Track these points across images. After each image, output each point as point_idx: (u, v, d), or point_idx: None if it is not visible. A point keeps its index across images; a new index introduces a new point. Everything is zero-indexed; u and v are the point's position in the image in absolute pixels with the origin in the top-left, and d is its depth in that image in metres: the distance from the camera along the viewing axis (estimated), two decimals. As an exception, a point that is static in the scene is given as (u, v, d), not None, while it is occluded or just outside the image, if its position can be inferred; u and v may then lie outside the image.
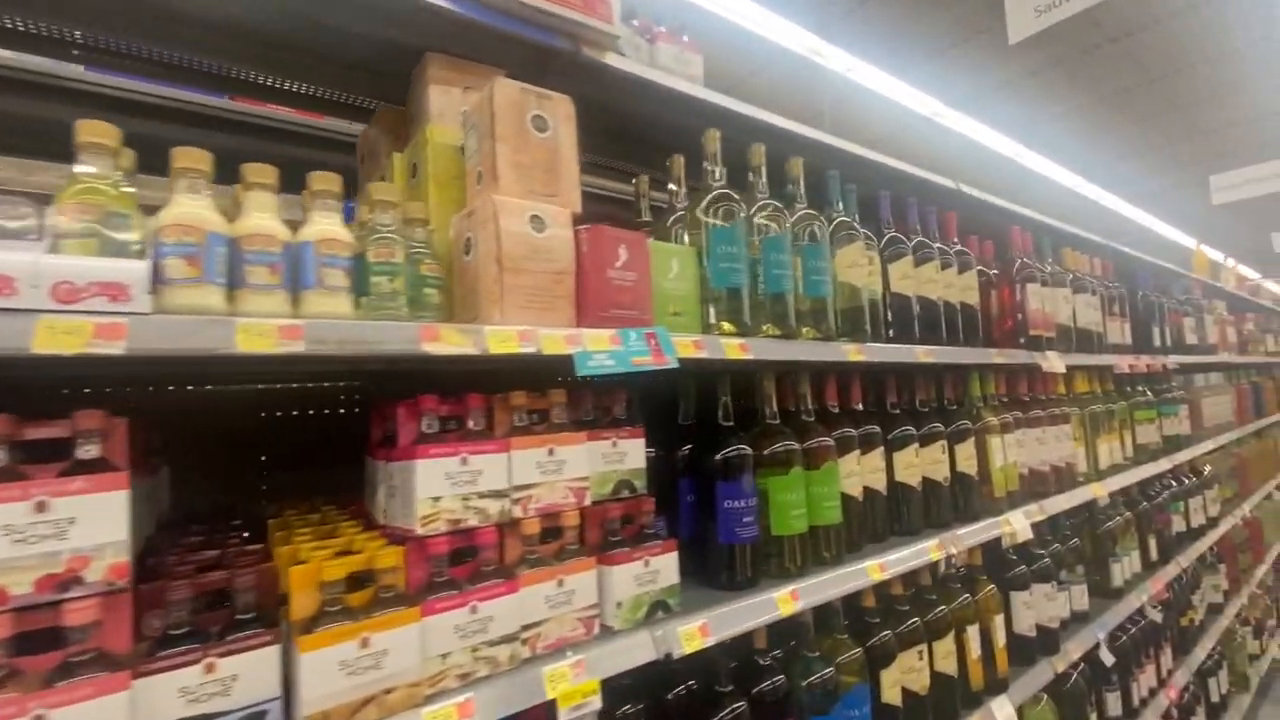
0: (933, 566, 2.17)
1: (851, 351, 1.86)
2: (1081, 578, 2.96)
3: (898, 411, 2.24)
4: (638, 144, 2.08)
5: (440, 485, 1.20)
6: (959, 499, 2.33)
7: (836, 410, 2.06)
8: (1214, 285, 5.52)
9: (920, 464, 2.22)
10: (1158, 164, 13.46)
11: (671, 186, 1.88)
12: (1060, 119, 11.10)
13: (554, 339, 1.24)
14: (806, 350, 1.76)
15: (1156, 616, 3.31)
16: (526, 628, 1.24)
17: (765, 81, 9.47)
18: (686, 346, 1.47)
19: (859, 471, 2.00)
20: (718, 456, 1.66)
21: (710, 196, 1.66)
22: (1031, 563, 2.66)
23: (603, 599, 1.38)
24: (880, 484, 2.09)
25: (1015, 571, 2.58)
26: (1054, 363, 2.72)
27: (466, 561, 1.23)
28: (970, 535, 2.23)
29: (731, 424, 1.74)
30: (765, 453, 1.75)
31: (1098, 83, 9.97)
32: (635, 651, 1.34)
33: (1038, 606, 2.62)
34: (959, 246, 2.52)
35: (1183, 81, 9.88)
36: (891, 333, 2.16)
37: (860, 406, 2.16)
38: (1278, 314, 7.31)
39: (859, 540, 2.00)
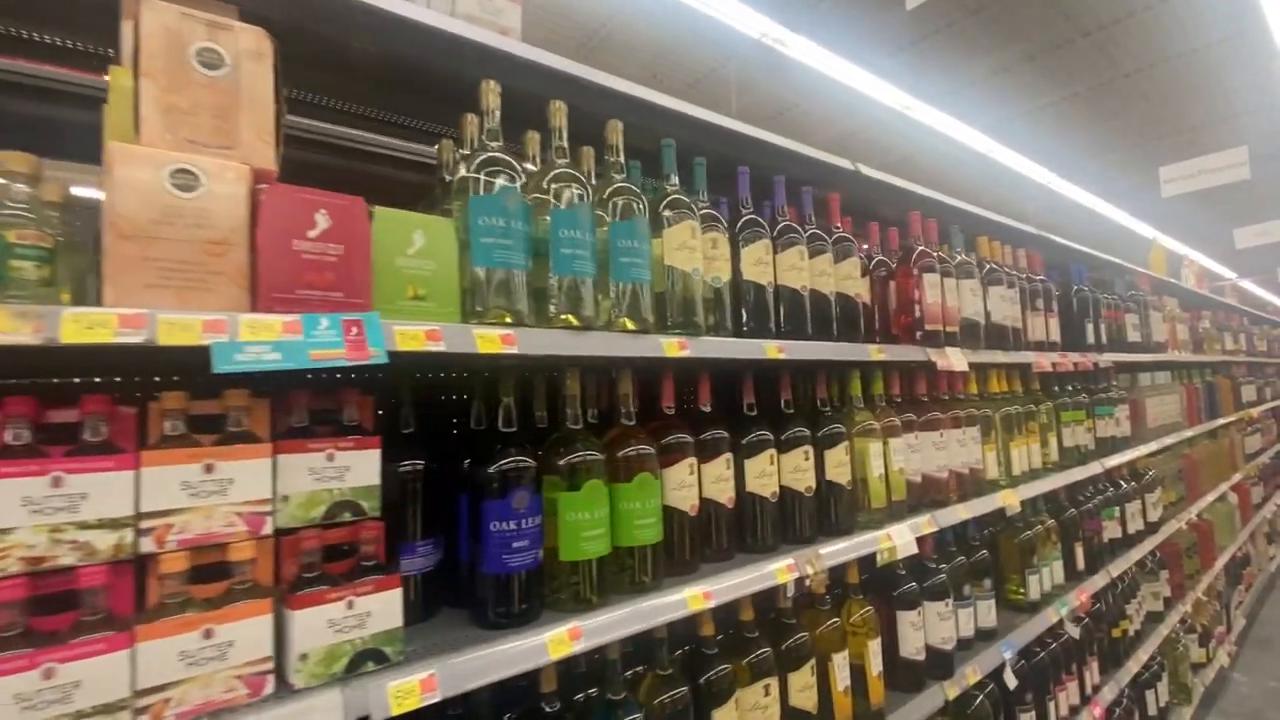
0: (798, 586, 1.90)
1: (671, 346, 1.58)
2: (989, 592, 2.70)
3: (753, 414, 1.96)
4: (439, 101, 1.79)
5: (12, 513, 0.92)
6: (827, 511, 2.06)
7: (672, 413, 1.78)
8: (1165, 281, 5.26)
9: (778, 473, 1.95)
10: (1131, 161, 13.24)
11: (464, 152, 1.60)
12: (1032, 115, 10.85)
13: (179, 325, 0.96)
14: (605, 344, 1.48)
15: (1074, 632, 3.06)
16: (146, 692, 0.96)
17: (732, 74, 9.19)
18: (414, 338, 1.19)
19: (693, 483, 1.73)
20: (485, 469, 1.38)
21: (479, 160, 1.38)
22: (925, 578, 2.40)
23: (282, 650, 1.10)
24: (725, 496, 1.82)
25: (904, 589, 2.32)
26: (952, 360, 2.45)
27: (58, 611, 0.95)
28: (837, 553, 1.96)
29: (513, 430, 1.46)
30: (557, 463, 1.47)
31: (1070, 78, 9.71)
32: (313, 716, 1.06)
33: (929, 626, 2.36)
34: (841, 232, 2.24)
35: (1156, 77, 9.63)
36: (748, 326, 1.89)
37: (708, 409, 1.89)
38: (1240, 312, 7.07)
39: (693, 561, 1.73)
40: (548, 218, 1.45)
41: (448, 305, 1.32)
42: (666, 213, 1.68)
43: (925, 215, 2.66)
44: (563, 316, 1.44)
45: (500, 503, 1.36)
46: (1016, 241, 3.33)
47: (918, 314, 2.44)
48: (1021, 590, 2.97)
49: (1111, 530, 3.75)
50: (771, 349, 1.82)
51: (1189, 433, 4.90)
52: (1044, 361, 3.06)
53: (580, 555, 1.45)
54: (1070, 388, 3.58)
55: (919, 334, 2.43)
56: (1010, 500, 2.72)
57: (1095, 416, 3.75)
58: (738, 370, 2.01)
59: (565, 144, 1.54)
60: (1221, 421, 5.89)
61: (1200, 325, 6.00)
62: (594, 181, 1.63)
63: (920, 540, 2.25)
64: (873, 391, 2.34)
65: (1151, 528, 4.19)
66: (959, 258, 2.71)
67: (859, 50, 8.75)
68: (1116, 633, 3.67)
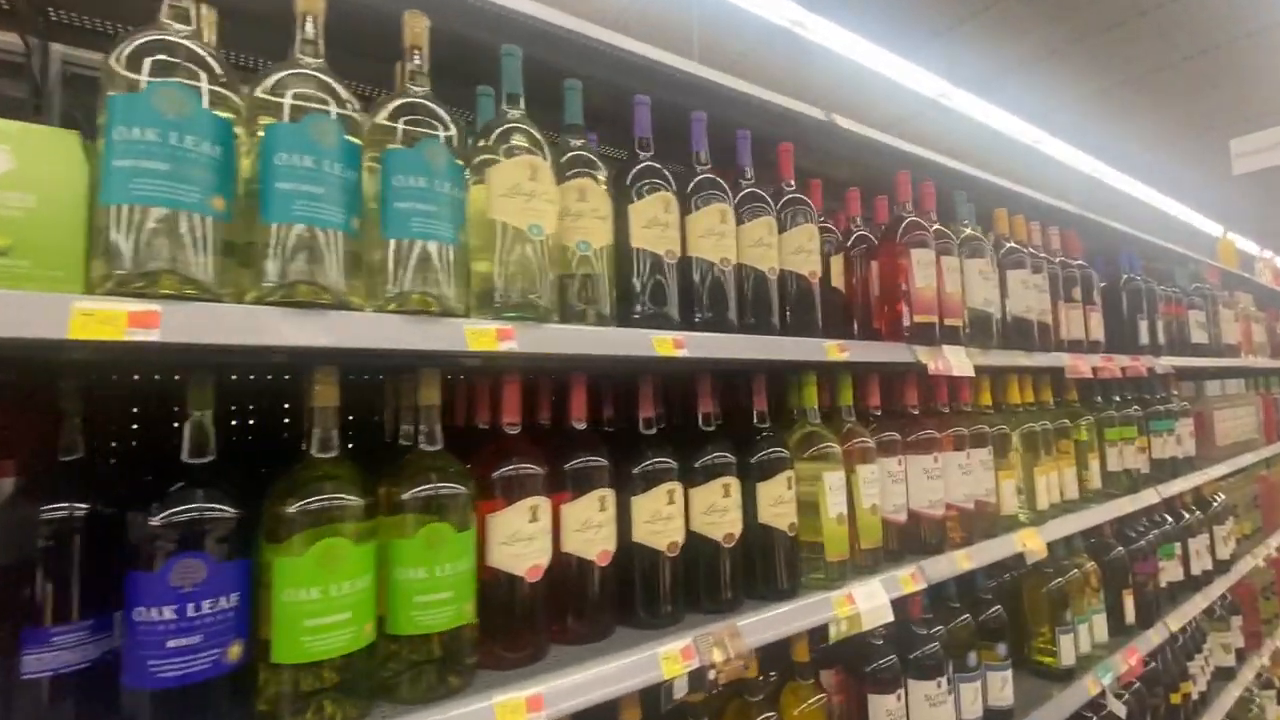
0: (698, 679, 1.34)
1: (478, 336, 1.05)
2: (1004, 660, 2.07)
3: (652, 434, 1.41)
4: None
5: None
6: (759, 568, 1.49)
7: (514, 432, 1.25)
8: (1238, 275, 4.46)
9: (684, 516, 1.39)
10: (1194, 152, 12.08)
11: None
12: (1082, 102, 9.92)
13: None
14: (364, 330, 0.95)
15: (1119, 710, 2.39)
16: None
17: (754, 64, 8.61)
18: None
19: (537, 534, 1.19)
20: (143, 522, 0.88)
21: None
22: (910, 648, 1.80)
23: None
24: (597, 550, 1.27)
25: (878, 665, 1.72)
26: (951, 361, 1.85)
27: None
28: (765, 625, 1.39)
29: (203, 460, 0.95)
30: (280, 512, 0.95)
31: (1125, 62, 8.78)
32: None
33: (915, 715, 1.76)
34: (792, 193, 1.68)
35: (1220, 59, 8.62)
36: (641, 312, 1.34)
37: (581, 426, 1.34)
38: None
39: (533, 647, 1.19)
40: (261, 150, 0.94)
41: (56, 263, 0.82)
42: (492, 151, 1.15)
43: (922, 181, 2.06)
44: (292, 288, 0.92)
45: (150, 576, 0.85)
46: (1047, 219, 2.67)
47: (905, 302, 1.84)
48: (1052, 652, 2.33)
49: (1171, 572, 3.05)
50: (663, 343, 1.27)
51: (1267, 451, 4.10)
52: (1082, 365, 2.41)
53: (307, 654, 0.92)
54: (1118, 398, 2.90)
55: (907, 328, 1.84)
56: (1033, 543, 2.09)
57: (1150, 433, 3.05)
58: (628, 374, 1.46)
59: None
60: (1305, 438, 5.01)
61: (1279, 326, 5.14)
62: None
63: (901, 602, 1.66)
64: (840, 403, 1.76)
65: (1221, 566, 3.44)
66: (966, 231, 2.10)
67: (891, 35, 8.05)
68: (1176, 698, 2.95)
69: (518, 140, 1.16)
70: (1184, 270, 3.64)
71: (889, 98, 9.16)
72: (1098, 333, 2.65)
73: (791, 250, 1.61)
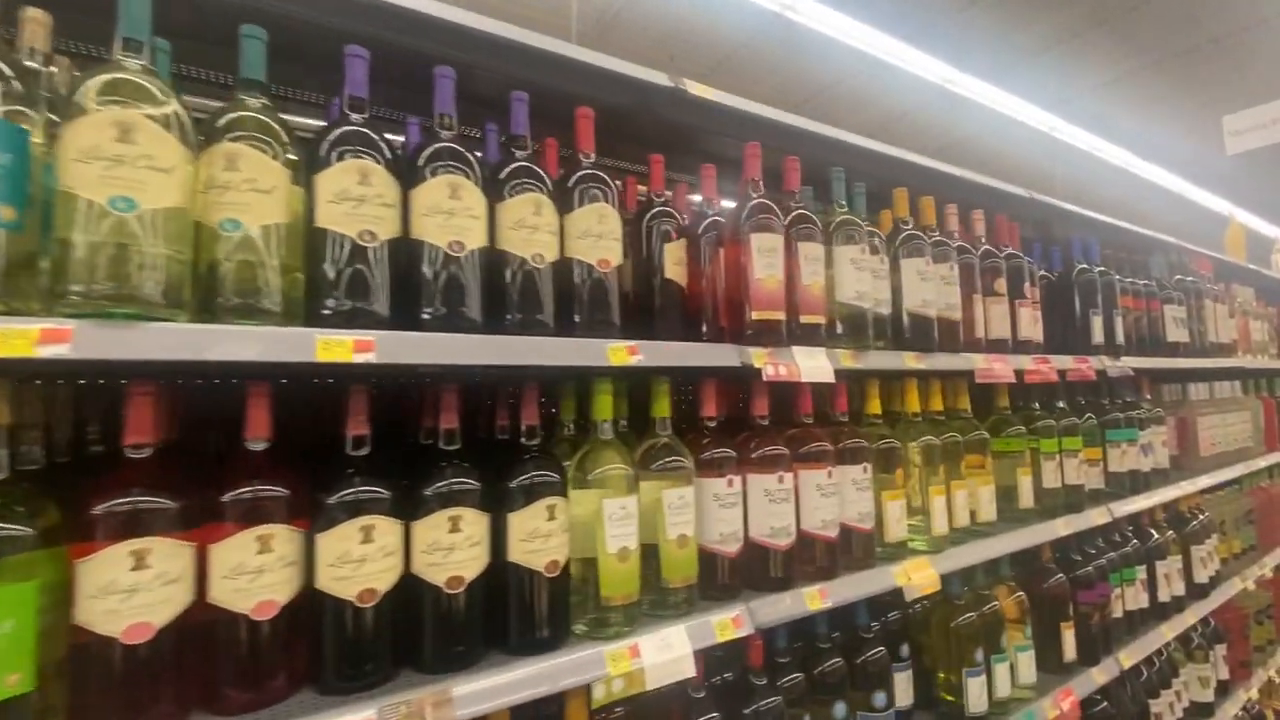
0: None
1: (22, 339, 0.81)
2: (881, 711, 1.77)
3: (362, 455, 1.15)
4: None
5: None
6: (509, 615, 1.23)
7: (141, 456, 1.00)
8: (1235, 265, 4.01)
9: (402, 555, 1.13)
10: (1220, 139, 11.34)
11: None
12: (1104, 88, 9.34)
13: None
14: None
15: (1035, 766, 2.06)
16: None
17: (745, 59, 8.27)
18: None
19: (154, 583, 0.94)
20: None
21: None
22: (742, 702, 1.51)
23: None
24: (251, 602, 1.02)
25: (695, 724, 1.44)
26: (801, 365, 1.55)
27: None
28: (490, 692, 1.12)
29: None
30: None
31: (1149, 44, 8.20)
32: None
33: (745, 781, 1.47)
34: (589, 168, 1.40)
35: (1249, 42, 7.99)
36: (333, 308, 1.08)
37: (261, 447, 1.09)
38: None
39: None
40: None
41: None
42: (89, 101, 0.90)
43: (788, 152, 1.75)
44: None
45: None
46: (964, 195, 2.34)
47: (744, 296, 1.55)
48: (958, 695, 2.01)
49: (1132, 599, 2.69)
50: (333, 346, 1.01)
51: (1264, 461, 3.67)
52: (1000, 368, 2.08)
53: None
54: (1061, 405, 2.54)
55: (748, 325, 1.55)
56: (920, 575, 1.77)
57: (1106, 444, 2.69)
58: (343, 384, 1.20)
59: None
60: (1319, 445, 4.52)
61: (1291, 323, 4.65)
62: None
63: (731, 648, 1.38)
64: (654, 414, 1.47)
65: (1198, 591, 3.05)
66: (842, 215, 1.79)
67: (893, 21, 7.63)
68: (1132, 742, 2.60)
69: (115, 92, 0.91)
70: (1158, 260, 3.24)
71: (900, 89, 8.70)
72: (1031, 330, 2.31)
73: (576, 235, 1.34)
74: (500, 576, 1.21)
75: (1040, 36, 8.25)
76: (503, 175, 1.27)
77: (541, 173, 1.29)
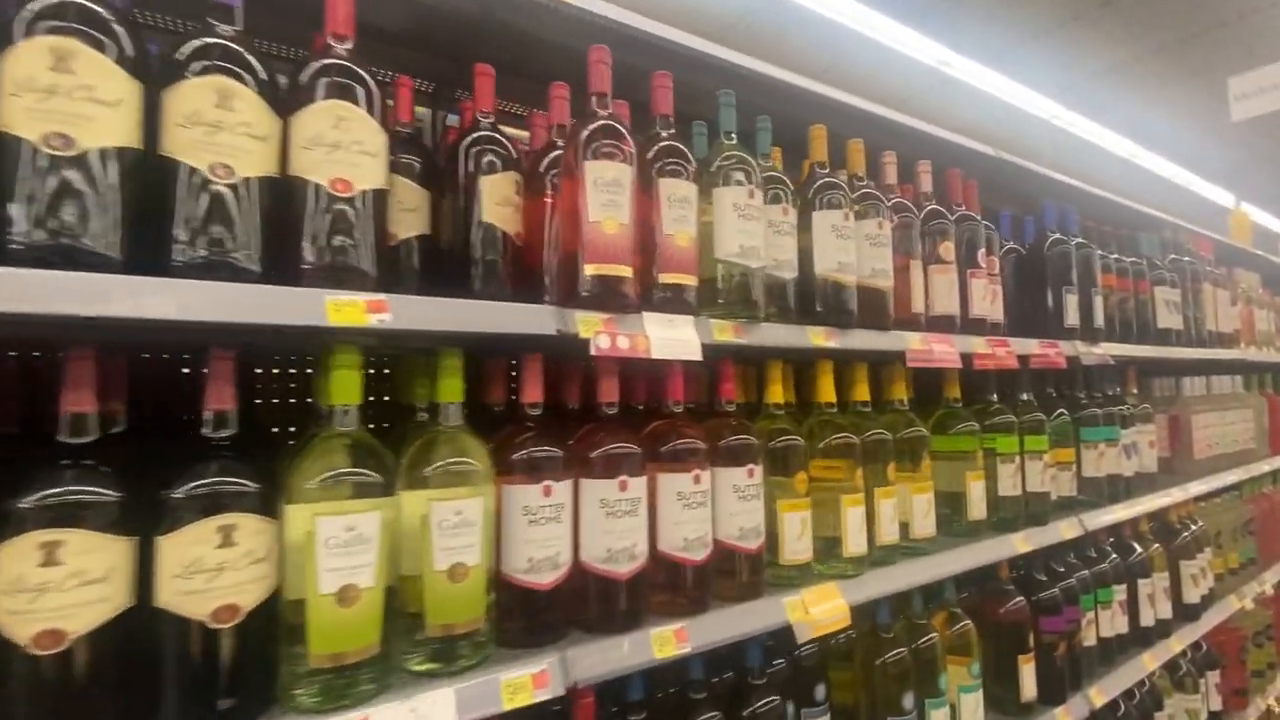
0: None
1: None
2: (774, 777, 1.38)
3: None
4: None
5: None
6: (167, 681, 0.85)
7: None
8: (1238, 248, 3.57)
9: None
10: (1236, 133, 10.83)
11: None
12: (1106, 74, 8.84)
13: None
14: None
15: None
16: None
17: (744, 31, 7.85)
18: None
19: None
20: None
21: None
22: (567, 780, 1.13)
23: None
24: None
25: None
26: (653, 337, 1.16)
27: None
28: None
29: None
30: None
31: (1156, 27, 7.71)
32: None
33: None
34: (330, 59, 1.01)
35: (1257, 25, 7.48)
36: None
37: None
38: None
39: None
40: None
41: None
42: None
43: (658, 72, 1.35)
44: None
45: None
46: (916, 152, 1.93)
47: (575, 244, 1.16)
48: (882, 750, 1.62)
49: (1108, 624, 2.29)
50: None
51: (1265, 466, 3.24)
52: (942, 351, 1.68)
53: None
54: (1026, 397, 2.14)
55: (582, 284, 1.15)
56: (821, 607, 1.38)
57: (1081, 444, 2.28)
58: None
59: None
60: (1328, 447, 4.09)
61: (1300, 314, 4.21)
62: None
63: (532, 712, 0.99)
64: (441, 399, 1.09)
65: (1187, 613, 2.65)
66: (729, 151, 1.39)
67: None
68: (1103, 791, 2.20)
69: None
70: (1149, 239, 2.82)
71: (895, 71, 8.23)
72: (986, 307, 1.90)
73: (302, 144, 0.95)
74: (145, 625, 0.82)
75: (1040, 19, 7.78)
76: (183, 56, 0.88)
77: (239, 51, 0.90)
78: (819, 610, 1.38)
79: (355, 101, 0.98)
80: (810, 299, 1.51)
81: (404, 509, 1.00)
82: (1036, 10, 7.44)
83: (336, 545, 0.89)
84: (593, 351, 1.10)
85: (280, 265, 0.93)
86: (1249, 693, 3.09)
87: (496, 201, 1.22)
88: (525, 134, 1.53)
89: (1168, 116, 9.98)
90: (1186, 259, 2.92)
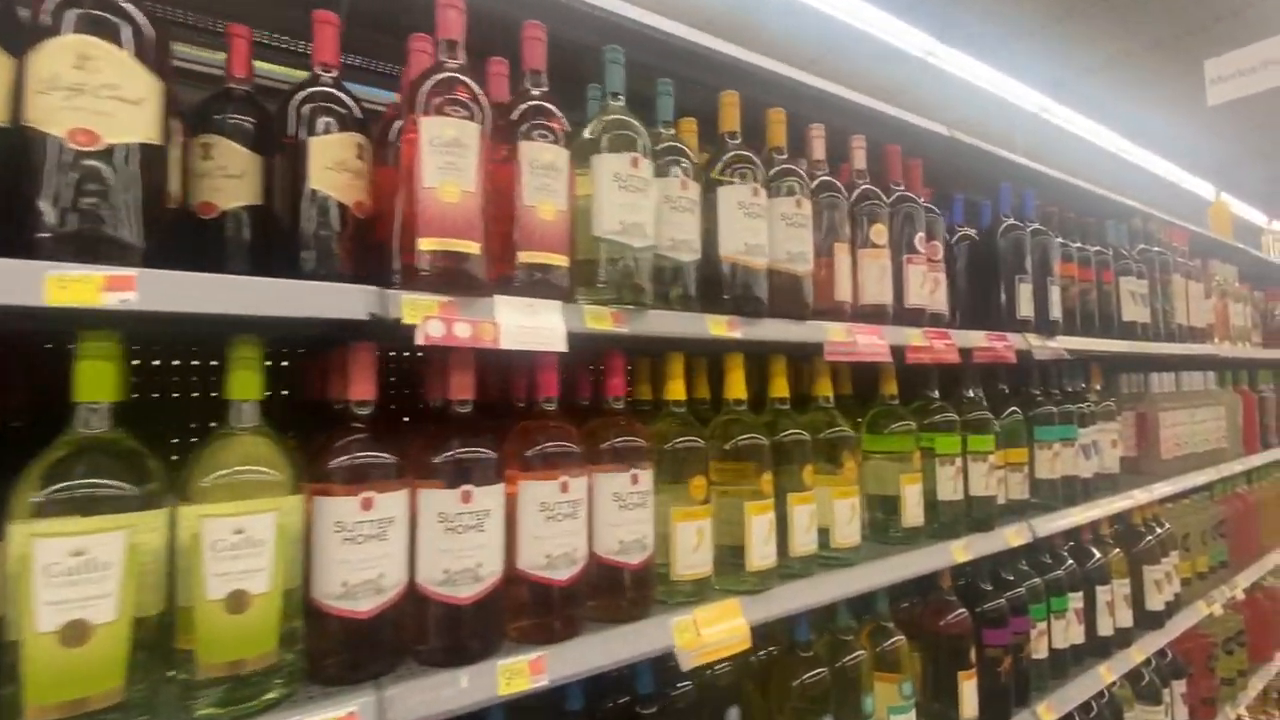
0: None
1: None
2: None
3: None
4: None
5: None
6: None
7: None
8: (1214, 239, 3.41)
9: None
10: (1229, 128, 10.68)
11: None
12: (1101, 69, 8.67)
13: None
14: None
15: None
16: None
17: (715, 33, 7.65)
18: None
19: None
20: None
21: None
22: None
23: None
24: None
25: None
26: (502, 325, 1.00)
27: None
28: None
29: None
30: None
31: (1150, 24, 7.53)
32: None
33: None
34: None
35: (1250, 20, 7.31)
36: None
37: None
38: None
39: None
40: None
41: None
42: None
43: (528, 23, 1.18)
44: None
45: None
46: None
47: (409, 214, 0.99)
48: (798, 780, 1.47)
49: (1066, 633, 2.14)
50: None
51: (1237, 466, 3.09)
52: (868, 343, 1.51)
53: None
54: (970, 394, 1.97)
55: (418, 259, 0.99)
56: (719, 629, 1.22)
57: (1035, 443, 2.13)
58: None
59: None
60: (1306, 446, 3.95)
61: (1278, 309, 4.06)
62: None
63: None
64: (232, 394, 0.92)
65: (1149, 620, 2.50)
66: (614, 115, 1.22)
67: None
68: (1052, 814, 2.06)
69: None
70: (1117, 228, 2.66)
71: (888, 64, 8.05)
72: (925, 296, 1.73)
73: (37, 89, 0.78)
74: None
75: (1035, 15, 7.61)
76: None
77: None
78: (713, 631, 1.22)
79: (111, 39, 0.81)
80: (717, 285, 1.35)
81: (179, 527, 0.84)
82: (1031, 6, 7.27)
83: (60, 574, 0.73)
84: (420, 340, 0.93)
85: (11, 233, 0.76)
86: (1218, 701, 2.95)
87: (328, 166, 1.05)
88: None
89: (1161, 112, 9.82)
90: (1156, 249, 2.76)
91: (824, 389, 1.58)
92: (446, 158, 0.98)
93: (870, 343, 1.51)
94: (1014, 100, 9.04)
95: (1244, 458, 3.20)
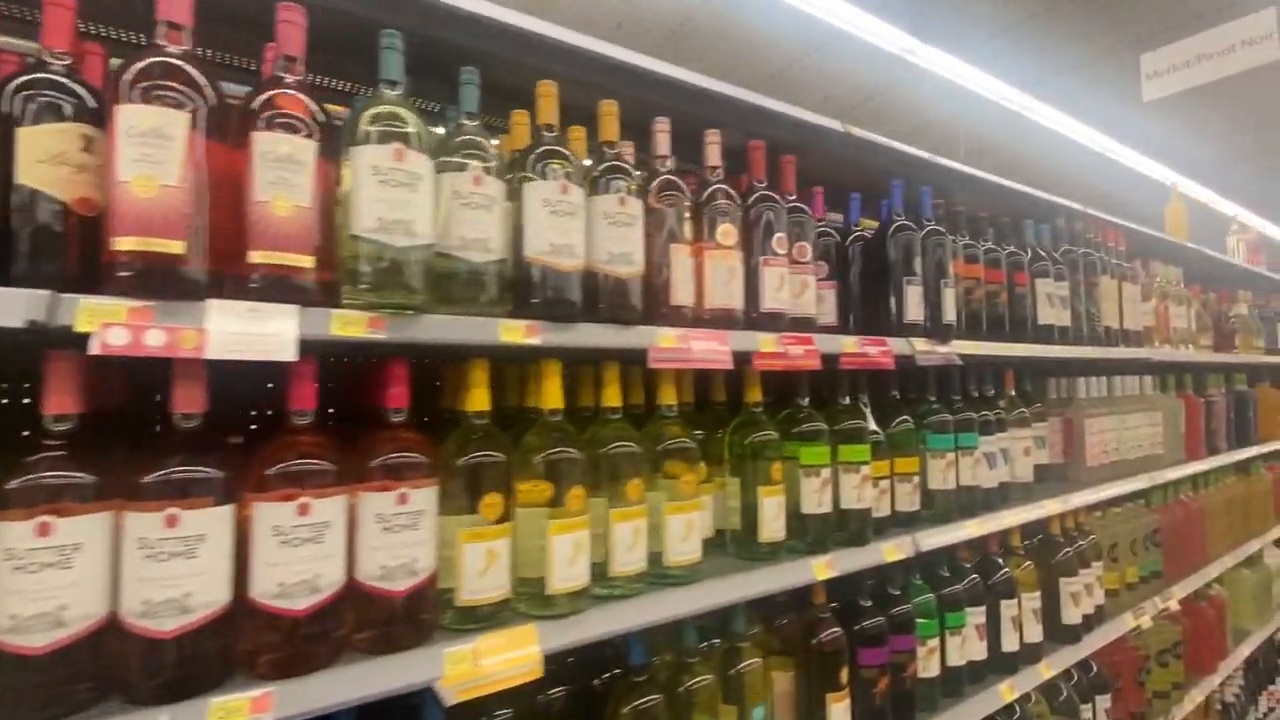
0: None
1: None
2: None
3: None
4: None
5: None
6: None
7: None
8: (1159, 238, 3.28)
9: None
10: (1215, 130, 10.50)
11: None
12: (1082, 67, 8.52)
13: None
14: None
15: None
16: None
17: (695, 32, 7.59)
18: None
19: None
20: None
21: None
22: None
23: None
24: None
25: None
26: (203, 332, 0.90)
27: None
28: None
29: None
30: None
31: (1133, 22, 7.38)
32: None
33: None
34: None
35: (1240, 18, 7.14)
36: None
37: None
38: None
39: None
40: None
41: None
42: None
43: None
44: None
45: None
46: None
47: (108, 211, 0.90)
48: (627, 812, 1.36)
49: (963, 650, 2.03)
50: None
51: (1171, 474, 2.96)
52: (704, 350, 1.41)
53: None
54: (847, 403, 1.86)
55: (115, 260, 0.89)
56: (503, 658, 1.12)
57: (928, 453, 2.02)
58: None
59: None
60: (1258, 451, 3.82)
61: (1235, 311, 3.93)
62: None
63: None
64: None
65: (1066, 634, 2.39)
66: (379, 106, 1.11)
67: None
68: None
69: None
70: (1036, 227, 2.54)
71: (869, 66, 7.91)
72: (787, 300, 1.62)
73: None
74: None
75: (1011, 12, 7.46)
76: None
77: None
78: (495, 661, 1.12)
79: None
80: (528, 287, 1.25)
81: None
82: (1008, 3, 7.14)
83: None
84: (95, 350, 0.83)
85: None
86: (1149, 716, 2.84)
87: (40, 158, 0.95)
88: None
89: (1145, 112, 9.65)
90: (1083, 250, 2.64)
91: (667, 397, 1.48)
92: (142, 148, 0.88)
93: (708, 349, 1.41)
94: (995, 99, 8.89)
95: (1182, 465, 3.07)
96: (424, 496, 1.11)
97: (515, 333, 1.18)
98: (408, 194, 1.08)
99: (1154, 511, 2.99)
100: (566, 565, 1.22)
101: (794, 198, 1.72)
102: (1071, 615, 2.40)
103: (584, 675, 1.46)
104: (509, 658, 1.13)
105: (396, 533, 1.08)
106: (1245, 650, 3.56)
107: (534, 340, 1.19)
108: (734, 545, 1.65)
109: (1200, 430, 3.30)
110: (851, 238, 2.01)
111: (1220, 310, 3.85)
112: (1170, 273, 3.27)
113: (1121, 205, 4.46)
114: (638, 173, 1.41)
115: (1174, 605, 2.91)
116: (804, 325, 1.68)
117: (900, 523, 1.92)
